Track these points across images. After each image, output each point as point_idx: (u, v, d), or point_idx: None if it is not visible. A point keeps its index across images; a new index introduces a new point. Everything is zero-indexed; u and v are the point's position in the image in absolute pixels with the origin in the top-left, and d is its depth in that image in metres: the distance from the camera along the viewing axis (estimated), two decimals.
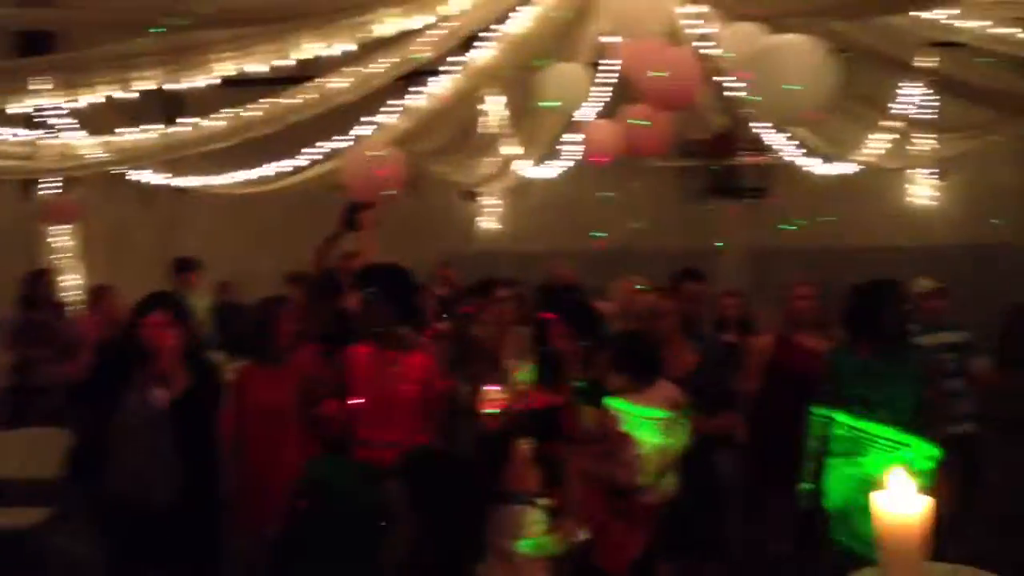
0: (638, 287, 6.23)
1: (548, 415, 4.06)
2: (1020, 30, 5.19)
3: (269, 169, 7.24)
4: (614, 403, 4.13)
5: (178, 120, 6.28)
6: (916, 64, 6.33)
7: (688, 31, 5.69)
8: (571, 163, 9.12)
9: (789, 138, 8.19)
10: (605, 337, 4.94)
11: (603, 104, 6.70)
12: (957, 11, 4.98)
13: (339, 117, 6.66)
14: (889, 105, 7.58)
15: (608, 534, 3.97)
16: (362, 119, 6.81)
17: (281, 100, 6.27)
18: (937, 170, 10.05)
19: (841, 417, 4.27)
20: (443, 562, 3.11)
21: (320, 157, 6.98)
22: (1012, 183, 10.21)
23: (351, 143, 6.68)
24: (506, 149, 8.67)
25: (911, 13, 5.48)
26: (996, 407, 6.27)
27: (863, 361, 4.66)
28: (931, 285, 6.73)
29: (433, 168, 9.37)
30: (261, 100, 6.26)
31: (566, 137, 8.53)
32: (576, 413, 4.11)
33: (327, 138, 7.00)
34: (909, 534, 2.46)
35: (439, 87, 6.73)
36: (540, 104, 6.51)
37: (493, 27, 6.39)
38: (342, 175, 5.78)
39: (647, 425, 4.10)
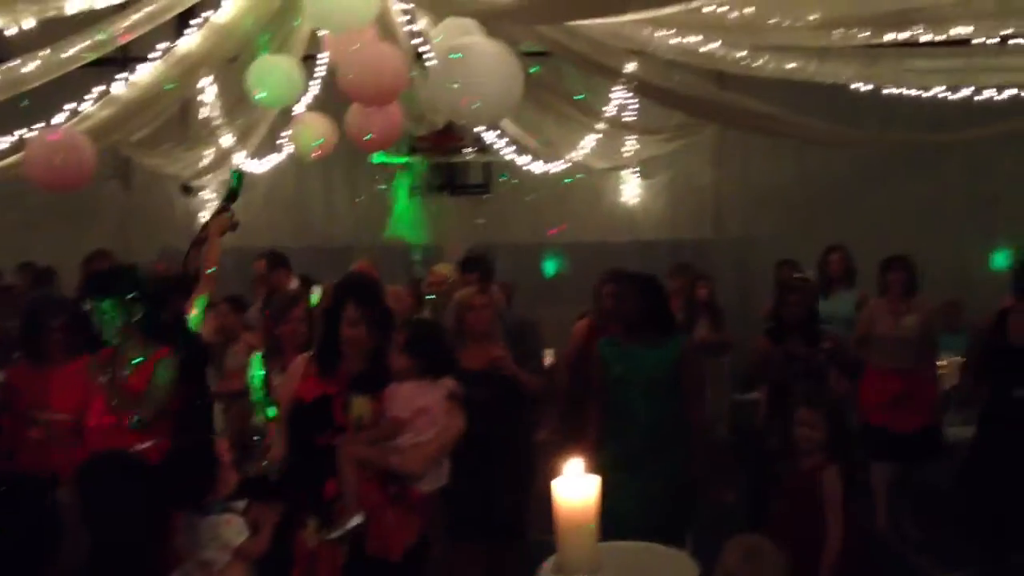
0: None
1: (320, 405, 3.98)
2: (699, 38, 5.60)
3: None
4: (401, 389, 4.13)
5: None
6: (618, 69, 6.69)
7: (396, 26, 5.74)
8: (291, 156, 8.92)
9: (499, 135, 8.42)
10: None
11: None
12: (646, 20, 5.28)
13: (35, 103, 6.23)
14: (600, 109, 8.01)
15: (382, 521, 4.00)
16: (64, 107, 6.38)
17: None
18: (638, 169, 10.65)
19: None
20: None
21: (8, 147, 6.43)
22: (708, 182, 11.01)
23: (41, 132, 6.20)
24: (223, 141, 8.37)
25: (610, 22, 5.79)
26: None
27: (624, 349, 4.96)
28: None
29: (145, 160, 8.92)
30: None
31: (285, 131, 8.37)
32: (347, 402, 4.05)
33: (22, 126, 6.48)
34: (583, 516, 2.60)
35: (144, 74, 6.40)
36: (254, 96, 6.37)
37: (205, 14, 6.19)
38: (24, 165, 5.35)
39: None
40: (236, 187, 5.35)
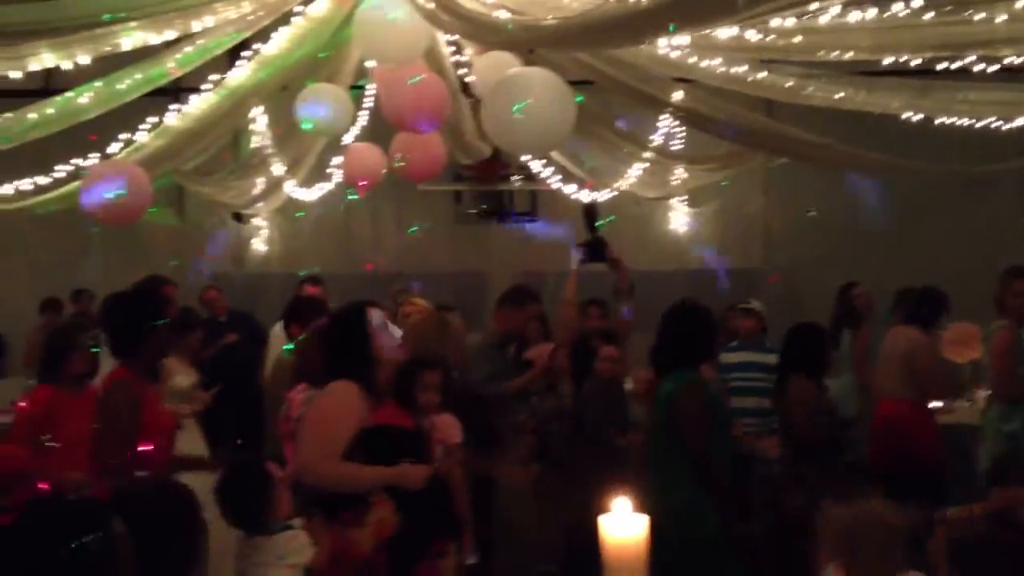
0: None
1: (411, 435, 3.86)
2: (747, 68, 5.58)
3: (9, 188, 6.73)
4: None
5: None
6: (665, 99, 6.67)
7: (444, 58, 5.78)
8: (339, 185, 9.02)
9: (546, 164, 8.43)
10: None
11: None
12: (688, 49, 5.26)
13: (91, 134, 6.37)
14: (647, 138, 8.00)
15: None
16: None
17: (19, 114, 5.88)
18: (687, 198, 10.61)
19: None
20: None
21: (65, 175, 6.57)
22: (756, 210, 10.95)
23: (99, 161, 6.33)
24: (273, 170, 8.49)
25: (653, 51, 5.79)
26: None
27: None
28: (754, 306, 6.90)
29: (197, 189, 9.05)
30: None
31: (334, 159, 8.48)
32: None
33: (79, 155, 6.61)
34: (633, 554, 2.57)
35: (197, 105, 6.51)
36: (303, 125, 6.44)
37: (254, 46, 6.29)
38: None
39: None
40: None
